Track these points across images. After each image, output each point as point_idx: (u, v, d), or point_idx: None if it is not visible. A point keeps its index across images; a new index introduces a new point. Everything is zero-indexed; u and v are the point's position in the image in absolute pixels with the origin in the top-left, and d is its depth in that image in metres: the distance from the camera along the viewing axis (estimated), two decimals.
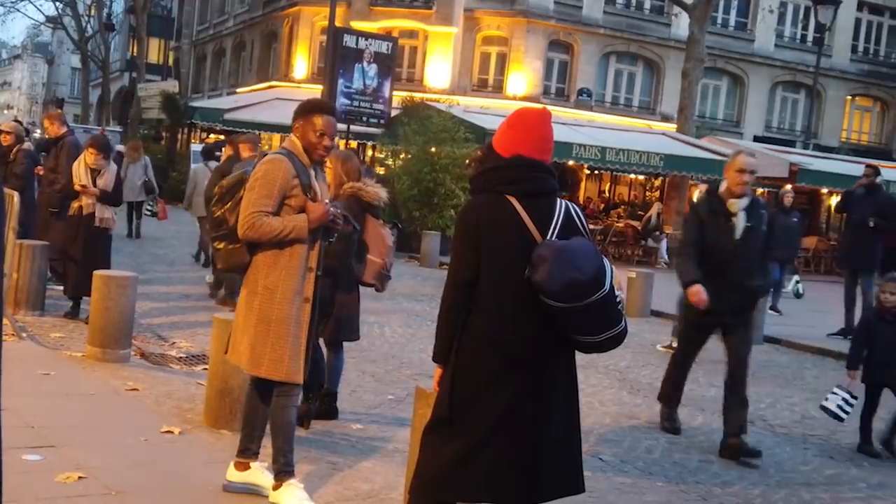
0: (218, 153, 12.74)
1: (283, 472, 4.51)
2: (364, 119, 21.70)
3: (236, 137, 11.06)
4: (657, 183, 29.26)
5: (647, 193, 30.54)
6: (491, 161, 3.66)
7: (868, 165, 12.52)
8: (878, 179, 12.10)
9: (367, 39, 21.91)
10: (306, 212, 4.37)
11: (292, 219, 4.36)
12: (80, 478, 4.56)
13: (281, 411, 4.51)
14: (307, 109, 4.51)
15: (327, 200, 4.52)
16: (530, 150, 3.59)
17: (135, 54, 43.16)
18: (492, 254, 3.51)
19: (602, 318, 3.46)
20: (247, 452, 4.66)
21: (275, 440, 4.52)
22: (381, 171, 22.35)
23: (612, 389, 8.24)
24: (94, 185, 8.71)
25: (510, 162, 3.58)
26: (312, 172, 4.53)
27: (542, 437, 3.51)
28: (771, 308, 13.94)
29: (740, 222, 6.34)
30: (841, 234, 12.07)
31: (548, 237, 3.49)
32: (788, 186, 16.74)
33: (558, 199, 3.62)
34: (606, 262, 3.49)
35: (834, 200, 29.42)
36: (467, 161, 18.20)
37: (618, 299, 3.47)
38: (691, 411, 7.64)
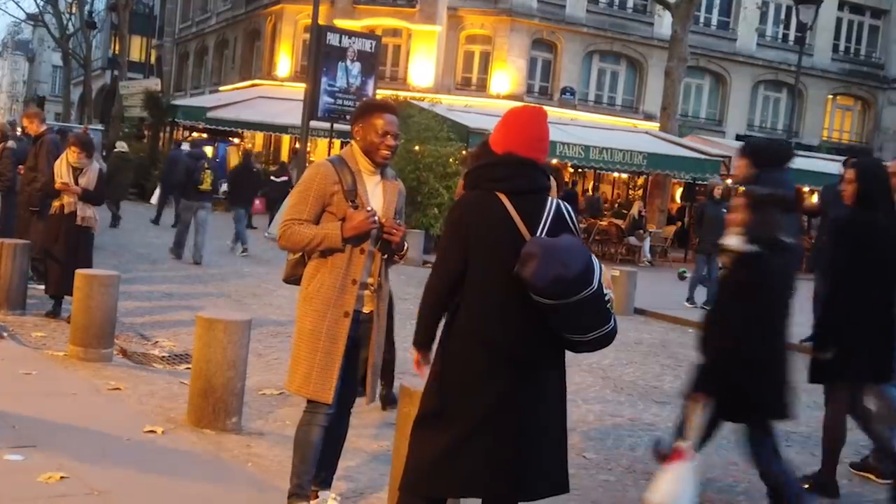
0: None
1: (294, 494, 4.29)
2: (347, 118, 21.67)
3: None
4: (640, 181, 29.36)
5: (631, 192, 30.64)
6: (484, 158, 3.70)
7: (846, 158, 11.31)
8: None
9: (350, 38, 21.88)
10: (345, 220, 4.12)
11: (324, 227, 4.11)
12: (62, 478, 4.54)
13: (302, 428, 4.28)
14: (366, 110, 4.27)
15: (370, 208, 4.15)
16: (522, 148, 3.60)
17: (117, 52, 42.99)
18: (480, 250, 3.51)
19: (591, 316, 3.46)
20: (297, 491, 4.28)
21: (293, 457, 4.33)
22: None
23: (595, 387, 8.26)
24: (77, 183, 8.66)
25: (502, 159, 3.60)
26: (376, 178, 4.26)
27: (529, 436, 3.51)
28: (687, 300, 14.14)
29: None
30: (818, 232, 10.91)
31: (537, 234, 3.49)
32: (716, 178, 16.83)
33: (548, 197, 3.62)
34: (595, 260, 3.49)
35: (816, 199, 29.58)
36: (462, 158, 18.26)
37: (606, 298, 3.47)
38: (673, 409, 7.67)
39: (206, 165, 14.86)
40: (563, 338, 3.54)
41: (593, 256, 3.51)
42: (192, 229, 14.42)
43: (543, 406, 3.54)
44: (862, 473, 6.13)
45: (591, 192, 31.18)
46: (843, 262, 5.47)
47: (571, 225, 3.61)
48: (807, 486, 5.47)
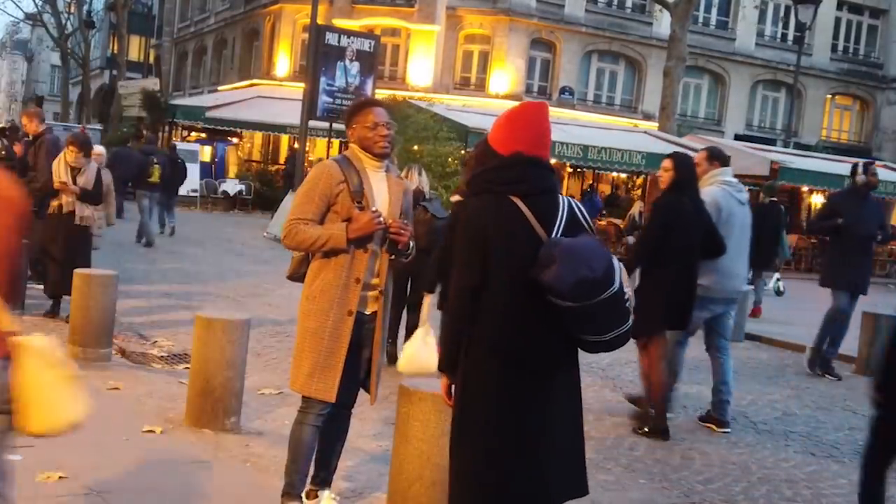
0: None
1: (286, 493, 4.32)
2: None
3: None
4: (639, 181, 29.37)
5: (630, 192, 30.65)
6: (491, 160, 3.52)
7: (868, 163, 10.24)
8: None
9: (349, 37, 21.85)
10: (350, 221, 4.11)
11: (329, 228, 4.11)
12: (60, 477, 4.53)
13: (297, 427, 4.28)
14: (354, 111, 4.32)
15: (375, 208, 4.15)
16: (530, 147, 3.47)
17: (115, 52, 42.98)
18: (499, 257, 3.38)
19: (611, 316, 3.37)
20: (289, 490, 4.34)
21: (287, 457, 4.34)
22: None
23: (594, 387, 8.25)
24: (75, 183, 8.65)
25: (511, 160, 3.46)
26: (381, 175, 4.27)
27: (549, 443, 3.44)
28: None
29: None
30: (829, 245, 9.31)
31: (553, 235, 3.39)
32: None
33: (560, 196, 3.51)
34: (615, 259, 3.38)
35: (815, 198, 29.57)
36: (464, 161, 18.21)
37: (626, 296, 3.37)
38: (672, 408, 7.66)
39: (154, 161, 17.39)
40: (580, 339, 3.45)
41: (613, 256, 3.41)
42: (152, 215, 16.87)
43: (561, 411, 3.47)
44: (706, 424, 7.15)
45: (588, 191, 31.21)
46: (655, 238, 6.55)
47: (585, 224, 3.50)
48: (642, 431, 6.68)
